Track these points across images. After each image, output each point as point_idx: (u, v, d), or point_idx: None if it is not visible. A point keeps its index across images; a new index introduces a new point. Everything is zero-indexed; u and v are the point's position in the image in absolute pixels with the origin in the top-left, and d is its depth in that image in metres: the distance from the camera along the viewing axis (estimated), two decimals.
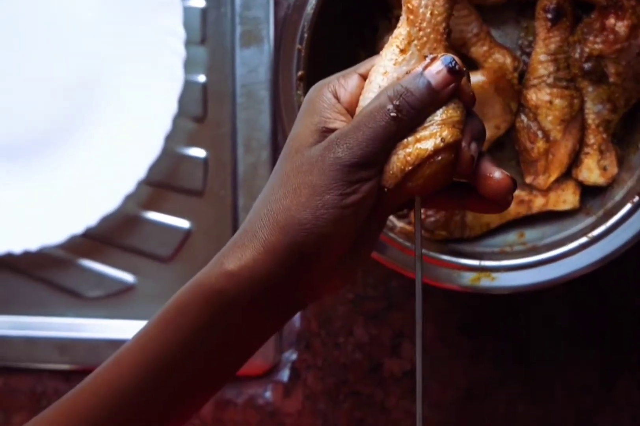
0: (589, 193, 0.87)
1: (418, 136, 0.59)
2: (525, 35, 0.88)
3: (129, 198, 0.94)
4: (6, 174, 0.97)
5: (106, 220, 0.95)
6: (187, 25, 0.92)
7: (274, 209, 0.59)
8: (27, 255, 0.96)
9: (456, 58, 0.60)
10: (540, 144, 0.85)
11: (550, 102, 0.84)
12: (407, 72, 0.60)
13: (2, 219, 0.97)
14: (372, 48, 0.89)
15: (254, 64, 0.93)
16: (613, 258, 0.81)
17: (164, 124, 0.93)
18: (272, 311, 0.61)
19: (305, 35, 0.83)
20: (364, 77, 0.62)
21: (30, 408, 1.00)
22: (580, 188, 0.87)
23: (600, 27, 0.83)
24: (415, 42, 0.60)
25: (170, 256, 0.98)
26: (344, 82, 0.62)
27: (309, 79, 0.83)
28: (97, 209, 0.95)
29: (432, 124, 0.59)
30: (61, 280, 0.99)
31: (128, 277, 0.98)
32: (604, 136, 0.85)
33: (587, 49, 0.84)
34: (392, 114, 0.58)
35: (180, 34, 0.92)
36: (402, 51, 0.60)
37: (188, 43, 0.93)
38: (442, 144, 0.58)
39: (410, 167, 0.59)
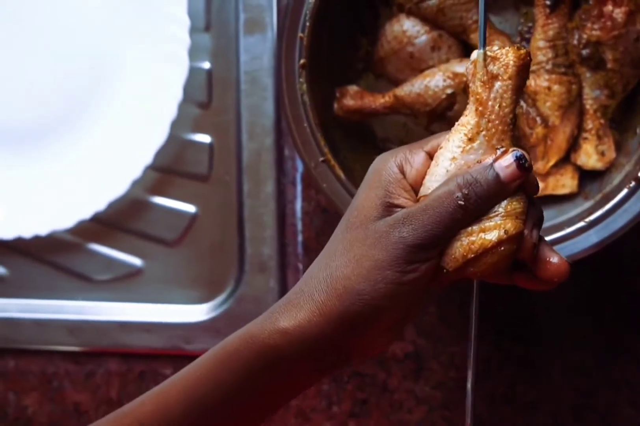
0: (588, 177, 0.87)
1: (483, 226, 0.60)
2: (525, 22, 0.89)
3: (136, 183, 0.96)
4: (15, 160, 0.98)
5: (114, 205, 0.96)
6: (191, 12, 0.93)
7: (334, 276, 0.61)
8: (37, 240, 0.98)
9: (525, 154, 0.60)
10: (539, 130, 0.86)
11: (549, 88, 0.85)
12: (477, 162, 0.61)
13: (13, 205, 0.98)
14: (374, 35, 0.89)
15: (257, 51, 0.94)
16: (610, 242, 0.81)
17: (170, 111, 0.94)
18: (318, 368, 0.63)
19: (307, 23, 0.83)
20: (430, 154, 0.63)
21: (42, 389, 1.01)
22: (579, 173, 0.87)
23: (598, 14, 0.83)
24: (484, 132, 0.61)
25: (176, 240, 0.99)
26: (410, 158, 0.63)
27: (311, 67, 0.84)
28: (105, 194, 0.96)
29: (496, 215, 0.61)
30: (70, 264, 1.01)
31: (136, 261, 1.00)
32: (602, 121, 0.86)
33: (585, 36, 0.84)
34: (459, 202, 0.60)
35: (185, 21, 0.93)
36: (470, 140, 0.61)
37: (193, 30, 0.93)
38: (505, 237, 0.60)
39: (472, 255, 0.61)
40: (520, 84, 0.62)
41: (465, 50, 0.88)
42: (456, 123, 0.63)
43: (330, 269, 0.61)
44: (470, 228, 0.61)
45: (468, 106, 0.62)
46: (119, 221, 0.99)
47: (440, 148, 0.63)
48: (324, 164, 0.84)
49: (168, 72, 0.94)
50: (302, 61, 0.84)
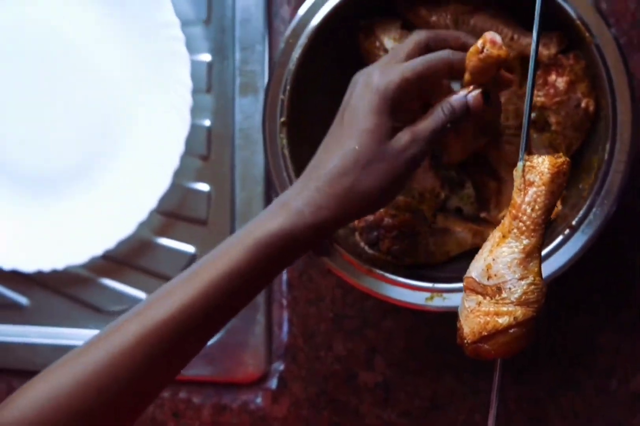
0: None
1: (498, 309, 0.69)
2: None
3: (142, 225, 1.04)
4: (37, 203, 1.08)
5: (123, 244, 1.05)
6: (194, 76, 1.02)
7: (354, 187, 0.79)
8: (55, 273, 1.07)
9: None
10: (492, 184, 0.94)
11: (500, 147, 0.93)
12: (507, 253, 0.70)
13: (33, 242, 1.07)
14: None
15: (250, 111, 1.03)
16: (549, 281, 0.88)
17: (173, 162, 1.02)
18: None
19: (288, 86, 0.92)
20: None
21: None
22: None
23: (543, 82, 0.92)
24: (515, 230, 0.70)
25: None
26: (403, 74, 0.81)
27: (291, 124, 0.92)
28: (115, 234, 1.05)
29: (510, 303, 0.69)
30: (84, 296, 1.10)
31: (142, 294, 1.08)
32: None
33: None
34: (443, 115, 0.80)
35: (188, 84, 1.02)
36: (504, 237, 0.70)
37: (195, 92, 1.02)
38: (514, 322, 0.69)
39: (486, 333, 0.69)
40: (554, 189, 0.69)
41: None
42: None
43: (348, 178, 0.79)
44: (487, 308, 0.69)
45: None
46: (127, 258, 1.08)
47: (487, 241, 0.71)
48: None
49: (172, 128, 1.03)
50: (282, 119, 0.93)
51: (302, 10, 0.92)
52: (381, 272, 0.92)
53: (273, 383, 1.05)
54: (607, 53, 0.87)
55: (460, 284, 0.90)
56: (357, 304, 1.03)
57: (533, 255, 0.69)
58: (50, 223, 1.08)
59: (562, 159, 0.69)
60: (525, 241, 0.69)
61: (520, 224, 0.69)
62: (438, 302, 0.91)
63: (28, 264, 1.07)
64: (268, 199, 1.04)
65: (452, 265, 0.97)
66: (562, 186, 0.69)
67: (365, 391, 1.04)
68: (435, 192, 0.97)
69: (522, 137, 0.73)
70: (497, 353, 0.70)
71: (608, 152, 0.88)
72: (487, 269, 0.70)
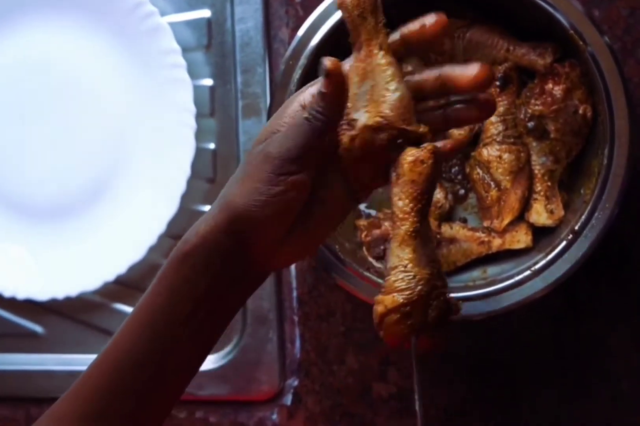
0: (541, 233, 0.94)
1: (378, 297, 0.68)
2: None
3: (152, 250, 1.02)
4: (47, 232, 1.06)
5: (134, 269, 1.03)
6: (197, 101, 1.01)
7: (225, 194, 0.69)
8: (68, 301, 1.05)
9: (329, 65, 0.65)
10: (493, 193, 0.93)
11: (500, 156, 0.92)
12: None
13: (45, 270, 1.06)
14: None
15: (254, 132, 1.02)
16: (554, 287, 0.87)
17: (180, 186, 1.01)
18: (233, 278, 0.69)
19: None
20: None
21: None
22: (532, 229, 0.93)
23: (540, 91, 0.91)
24: (392, 223, 0.68)
25: None
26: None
27: None
28: (126, 259, 1.03)
29: (384, 292, 0.67)
30: (98, 321, 1.07)
31: None
32: (549, 183, 0.92)
33: (529, 110, 0.92)
34: (304, 115, 0.66)
35: (192, 109, 1.01)
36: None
37: (199, 116, 1.01)
38: (385, 310, 0.68)
39: (376, 321, 0.69)
40: (414, 178, 0.66)
41: None
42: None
43: (224, 191, 0.70)
44: (376, 298, 0.68)
45: None
46: (139, 282, 1.06)
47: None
48: None
49: (178, 152, 1.01)
50: None
51: (301, 31, 0.92)
52: None
53: (288, 399, 1.03)
54: (602, 60, 0.86)
55: (468, 293, 0.90)
56: (367, 318, 0.98)
57: (406, 243, 0.67)
58: (61, 251, 1.06)
59: (423, 148, 0.66)
60: (396, 231, 0.67)
61: (393, 216, 0.67)
62: None
63: (42, 293, 1.05)
64: None
65: (458, 275, 0.95)
66: (423, 174, 0.66)
67: (380, 403, 1.02)
68: (440, 204, 0.95)
69: None
70: (388, 337, 0.70)
71: (607, 157, 0.87)
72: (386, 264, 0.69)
